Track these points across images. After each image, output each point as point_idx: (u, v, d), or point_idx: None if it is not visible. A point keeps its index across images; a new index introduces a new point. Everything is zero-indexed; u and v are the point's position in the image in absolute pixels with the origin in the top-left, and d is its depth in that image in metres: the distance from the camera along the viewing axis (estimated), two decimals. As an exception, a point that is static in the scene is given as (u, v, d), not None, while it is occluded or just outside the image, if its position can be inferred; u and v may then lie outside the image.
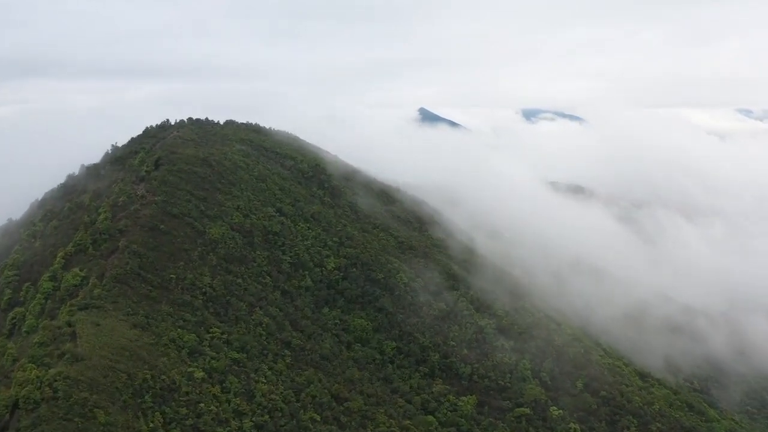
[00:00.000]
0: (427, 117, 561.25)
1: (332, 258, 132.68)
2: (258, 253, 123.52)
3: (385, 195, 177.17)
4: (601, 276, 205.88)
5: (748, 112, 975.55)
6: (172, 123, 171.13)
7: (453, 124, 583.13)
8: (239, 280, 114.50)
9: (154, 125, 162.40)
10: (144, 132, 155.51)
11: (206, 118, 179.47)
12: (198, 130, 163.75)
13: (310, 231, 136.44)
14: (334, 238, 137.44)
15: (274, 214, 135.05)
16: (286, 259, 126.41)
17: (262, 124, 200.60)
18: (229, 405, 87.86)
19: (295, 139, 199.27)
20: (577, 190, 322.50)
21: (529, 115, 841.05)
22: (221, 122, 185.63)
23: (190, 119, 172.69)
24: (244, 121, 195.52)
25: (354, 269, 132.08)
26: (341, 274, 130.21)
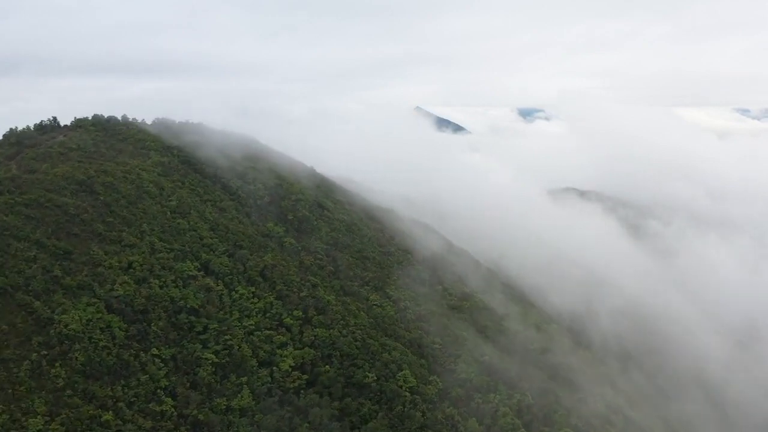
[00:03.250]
0: (424, 116, 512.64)
1: (291, 348, 79.38)
2: (154, 352, 70.06)
3: (377, 225, 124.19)
4: (649, 322, 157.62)
5: (745, 111, 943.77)
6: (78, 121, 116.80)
7: (449, 123, 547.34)
8: (107, 415, 61.11)
9: (30, 126, 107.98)
10: (4, 137, 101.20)
11: (123, 116, 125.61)
12: (100, 134, 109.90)
13: (256, 301, 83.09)
14: (295, 311, 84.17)
15: (194, 273, 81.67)
16: (208, 359, 73.07)
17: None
18: None
19: (257, 145, 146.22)
20: (583, 197, 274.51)
21: (526, 114, 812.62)
22: (148, 121, 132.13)
23: (96, 116, 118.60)
24: (186, 120, 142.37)
25: (327, 367, 78.95)
26: (305, 377, 77.12)
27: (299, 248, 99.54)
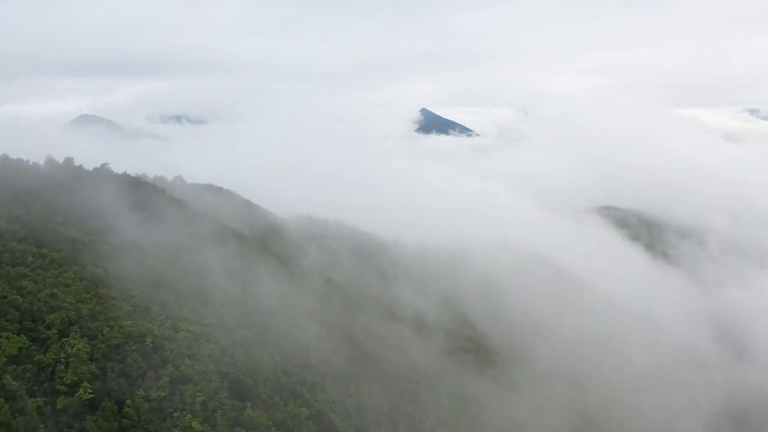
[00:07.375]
0: (429, 119, 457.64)
1: None
2: None
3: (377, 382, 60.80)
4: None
5: (753, 111, 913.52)
6: None
7: (456, 125, 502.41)
8: None
9: None
10: None
11: None
12: None
13: None
14: None
15: None
16: None
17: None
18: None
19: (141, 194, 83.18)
20: (603, 216, 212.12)
21: (534, 113, 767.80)
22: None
23: None
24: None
25: None
26: None
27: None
